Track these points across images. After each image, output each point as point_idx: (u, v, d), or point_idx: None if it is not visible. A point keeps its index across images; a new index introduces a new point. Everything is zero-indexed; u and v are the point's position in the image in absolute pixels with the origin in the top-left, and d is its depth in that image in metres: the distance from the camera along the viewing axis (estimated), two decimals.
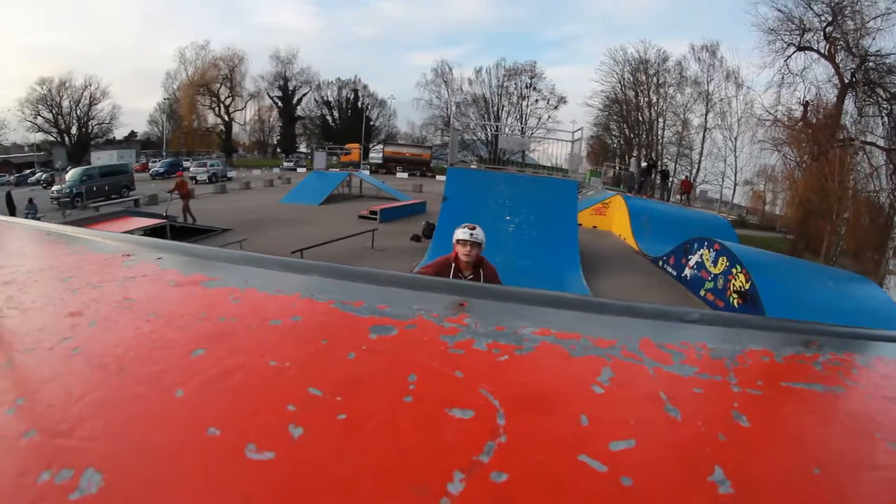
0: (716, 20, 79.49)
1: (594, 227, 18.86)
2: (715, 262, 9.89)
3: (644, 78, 47.75)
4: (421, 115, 63.59)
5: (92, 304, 0.71)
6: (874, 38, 25.47)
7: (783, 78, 29.43)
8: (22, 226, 1.36)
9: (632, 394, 0.55)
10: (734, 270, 9.13)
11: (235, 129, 61.76)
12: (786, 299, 8.16)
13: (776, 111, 30.34)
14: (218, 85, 57.85)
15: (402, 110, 78.49)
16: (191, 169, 38.93)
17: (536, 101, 56.23)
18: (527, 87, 56.08)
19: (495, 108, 56.77)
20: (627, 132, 50.45)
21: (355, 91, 64.42)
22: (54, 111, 52.87)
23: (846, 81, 26.69)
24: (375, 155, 53.67)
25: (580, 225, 12.76)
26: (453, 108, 56.75)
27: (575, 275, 10.60)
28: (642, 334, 0.66)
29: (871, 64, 25.75)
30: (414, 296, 0.72)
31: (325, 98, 64.63)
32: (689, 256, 11.03)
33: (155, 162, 46.48)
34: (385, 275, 0.78)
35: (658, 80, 47.02)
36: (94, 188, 25.68)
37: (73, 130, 54.52)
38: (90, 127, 55.86)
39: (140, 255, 0.91)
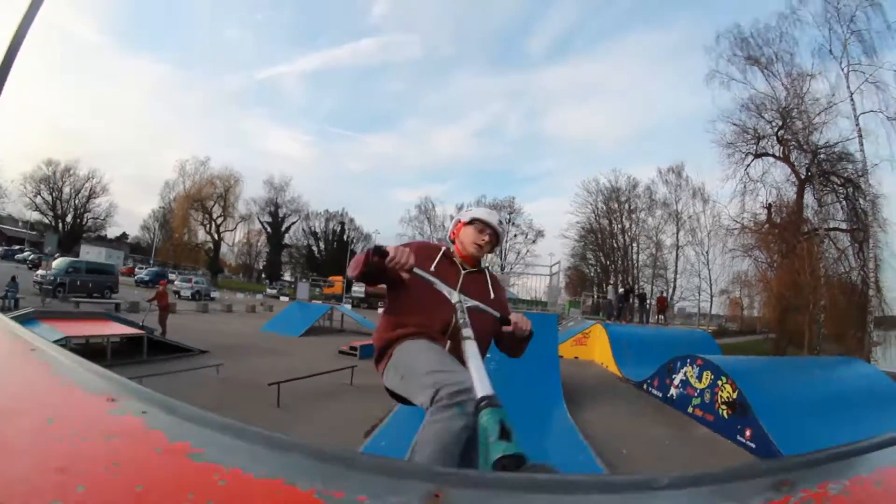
0: (679, 142, 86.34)
1: (576, 357, 18.70)
2: (699, 378, 9.89)
3: (616, 206, 50.62)
4: None
5: (78, 462, 0.71)
6: (821, 133, 27.67)
7: (745, 186, 31.08)
8: (7, 331, 1.33)
9: None
10: (720, 382, 9.17)
11: (224, 248, 62.86)
12: (776, 400, 8.25)
13: (742, 218, 31.84)
14: (212, 202, 59.60)
15: (386, 244, 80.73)
16: (175, 283, 38.78)
17: (515, 235, 58.23)
18: (506, 222, 58.02)
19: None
20: (603, 260, 52.20)
21: (342, 224, 66.78)
22: (54, 195, 54.09)
23: (803, 177, 28.50)
24: (358, 289, 54.16)
25: (561, 357, 12.72)
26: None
27: (559, 408, 10.36)
28: None
29: (822, 156, 27.68)
30: (391, 485, 0.72)
31: (312, 228, 66.77)
32: (674, 376, 11.02)
33: (142, 268, 46.40)
34: (364, 460, 0.78)
35: (630, 206, 49.80)
36: (78, 282, 25.47)
37: (69, 219, 55.34)
38: (85, 219, 56.77)
39: (125, 404, 0.91)
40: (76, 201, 55.98)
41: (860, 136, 24.72)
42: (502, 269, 49.19)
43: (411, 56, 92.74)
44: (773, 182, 30.36)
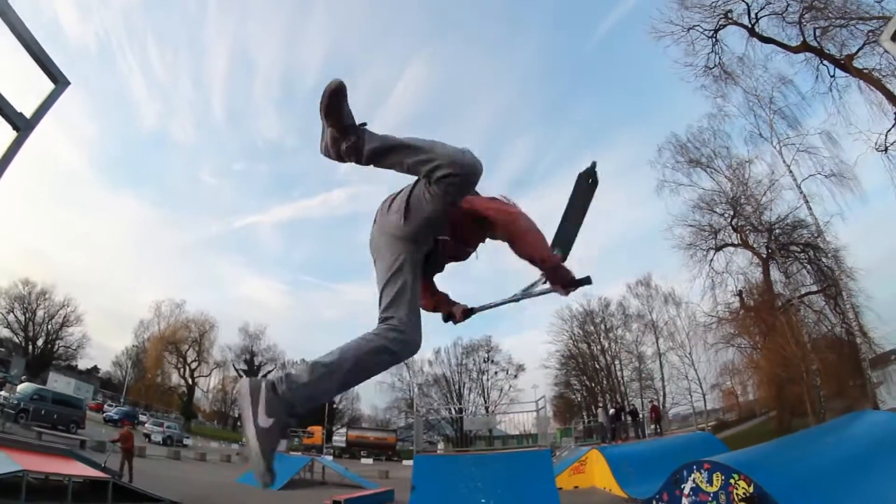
0: (642, 254, 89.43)
1: (575, 486, 17.64)
2: (710, 482, 9.33)
3: (592, 328, 50.85)
4: (384, 399, 63.50)
5: None
6: (771, 210, 29.10)
7: (713, 280, 31.50)
8: None
9: None
10: (732, 480, 8.59)
11: (198, 393, 59.91)
12: (794, 482, 7.82)
13: (717, 311, 32.03)
14: (186, 346, 57.99)
15: (365, 394, 78.34)
16: (147, 425, 36.48)
17: (496, 373, 57.54)
18: (485, 361, 57.70)
19: (457, 386, 57.50)
20: (588, 382, 51.36)
21: None
22: (27, 315, 51.74)
23: (764, 256, 29.38)
24: (339, 438, 52.01)
25: (560, 489, 12.14)
26: (416, 390, 57.54)
27: None
28: None
29: (777, 231, 28.88)
30: None
31: None
32: (682, 486, 10.35)
33: (111, 406, 43.55)
34: None
35: (605, 325, 50.07)
36: (43, 411, 23.61)
37: (39, 342, 52.60)
38: (56, 346, 54.24)
39: None
40: (49, 326, 54.21)
41: (807, 201, 25.82)
42: (486, 409, 48.17)
43: (378, 205, 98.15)
44: (737, 269, 31.36)
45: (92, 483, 10.92)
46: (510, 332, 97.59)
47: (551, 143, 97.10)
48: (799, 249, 29.21)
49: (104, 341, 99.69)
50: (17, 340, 52.81)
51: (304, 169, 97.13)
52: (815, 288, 28.40)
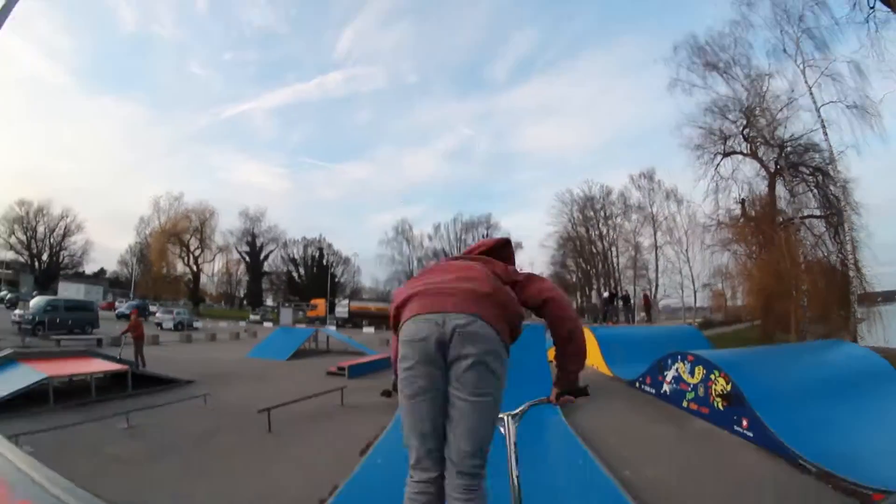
0: (649, 148, 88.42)
1: None
2: (692, 373, 9.98)
3: (592, 213, 51.39)
4: (385, 271, 65.32)
5: None
6: (786, 127, 28.34)
7: (717, 184, 31.33)
8: None
9: None
10: (712, 376, 9.25)
11: (203, 279, 62.08)
12: (770, 390, 8.32)
13: (717, 215, 32.13)
14: (188, 236, 59.26)
15: (366, 267, 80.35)
16: (157, 314, 38.35)
17: None
18: (484, 237, 58.09)
19: None
20: (584, 265, 52.78)
21: (320, 249, 66.70)
22: (29, 234, 53.27)
23: (772, 171, 29.02)
24: (342, 310, 53.95)
25: (551, 362, 12.66)
26: (415, 263, 58.65)
27: (553, 413, 10.35)
28: None
29: (789, 149, 28.31)
30: None
31: (291, 255, 66.57)
32: (665, 373, 11.10)
33: (122, 302, 45.33)
34: None
35: (605, 212, 50.56)
36: (58, 320, 24.98)
37: (45, 257, 54.49)
38: (61, 257, 55.88)
39: None
40: (51, 240, 55.21)
41: (823, 126, 25.34)
42: None
43: (377, 87, 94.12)
44: (743, 178, 30.89)
45: (112, 376, 11.60)
46: (510, 211, 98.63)
47: (561, 29, 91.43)
48: (808, 172, 28.43)
49: (107, 243, 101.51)
50: (22, 260, 53.74)
51: (297, 53, 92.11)
52: (818, 213, 28.03)
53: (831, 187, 26.81)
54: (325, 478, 6.84)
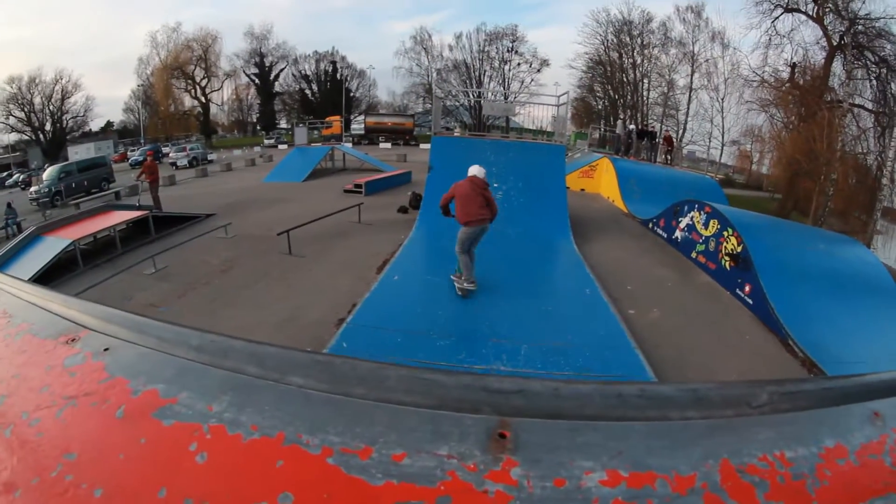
0: None
1: (582, 189, 18.74)
2: (706, 225, 9.85)
3: (628, 39, 46.81)
4: (401, 84, 62.32)
5: (29, 465, 0.55)
6: (864, 2, 25.26)
7: (770, 39, 29.17)
8: None
9: None
10: (725, 233, 9.11)
11: (213, 109, 60.29)
12: (778, 263, 8.21)
13: (763, 72, 30.18)
14: (192, 67, 56.22)
15: (382, 80, 76.16)
16: (170, 154, 38.05)
17: (519, 64, 54.85)
18: (508, 51, 54.44)
19: (477, 74, 55.33)
20: (612, 93, 49.76)
21: (333, 63, 62.91)
22: (26, 109, 51.09)
23: (834, 44, 26.53)
24: (357, 126, 52.75)
25: (568, 188, 12.62)
26: (434, 75, 55.65)
27: (566, 240, 10.54)
28: (719, 453, 0.53)
29: (860, 27, 25.61)
30: (434, 421, 0.54)
31: (302, 72, 63.13)
32: (680, 219, 10.99)
33: (133, 150, 45.37)
34: (390, 378, 0.59)
35: (642, 41, 46.11)
36: (73, 184, 24.98)
37: (48, 127, 52.80)
38: (64, 122, 54.20)
39: (86, 343, 0.75)
40: (50, 107, 52.31)
41: None
42: (505, 97, 47.52)
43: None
44: (800, 41, 28.19)
45: (135, 224, 11.83)
46: (538, 24, 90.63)
47: None
48: (873, 59, 25.20)
49: (109, 95, 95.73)
50: (27, 137, 51.14)
51: None
52: (870, 105, 25.29)
53: (893, 85, 24.40)
54: (345, 297, 7.26)
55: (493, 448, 0.51)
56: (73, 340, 0.77)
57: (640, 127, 23.50)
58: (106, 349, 0.73)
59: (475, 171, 7.22)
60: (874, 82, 25.86)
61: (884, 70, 25.35)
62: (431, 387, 0.58)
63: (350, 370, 0.61)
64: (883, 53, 25.38)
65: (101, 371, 0.69)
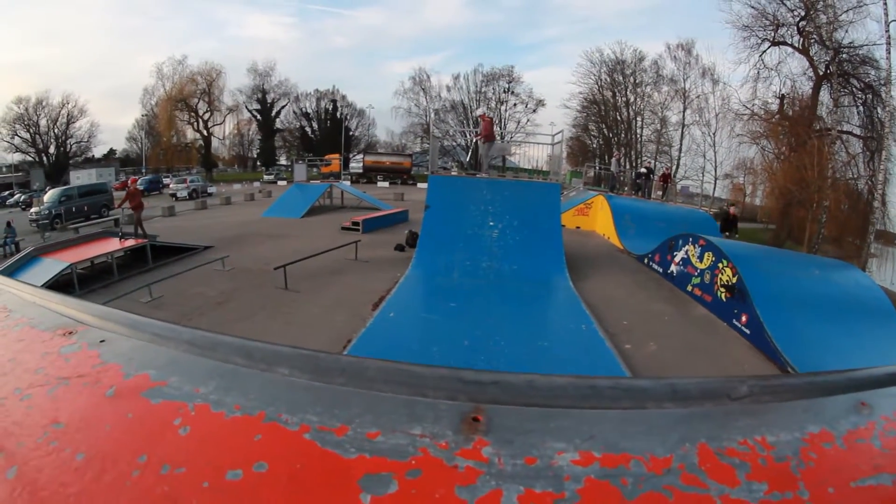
0: (690, 19, 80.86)
1: (577, 227, 18.89)
2: (701, 258, 9.93)
3: (621, 78, 48.10)
4: (400, 124, 63.26)
5: (15, 433, 0.57)
6: (846, 31, 26.11)
7: (758, 73, 30.00)
8: None
9: None
10: (720, 265, 9.18)
11: (215, 143, 61.03)
12: (773, 291, 8.26)
13: (753, 105, 30.89)
14: (196, 100, 57.14)
15: (381, 119, 77.57)
16: (171, 185, 38.27)
17: (515, 105, 56.30)
18: (505, 91, 56.07)
19: (474, 114, 56.75)
20: (606, 132, 50.72)
21: (334, 101, 64.16)
22: (31, 130, 51.73)
23: (821, 74, 27.31)
24: (356, 165, 53.35)
25: (563, 226, 12.75)
26: (432, 115, 56.69)
27: (561, 277, 10.57)
28: (697, 438, 0.53)
29: (844, 56, 26.38)
30: (410, 406, 0.56)
31: (303, 109, 64.31)
32: (675, 253, 11.07)
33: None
34: (371, 369, 0.61)
35: (635, 79, 47.38)
36: (73, 208, 25.07)
37: (52, 150, 53.32)
38: (68, 146, 54.76)
39: (83, 336, 0.77)
40: (55, 130, 53.13)
41: (888, 43, 23.03)
42: (502, 137, 48.34)
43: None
44: (788, 73, 29.10)
45: (133, 252, 11.89)
46: (534, 65, 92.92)
47: None
48: (858, 86, 26.11)
49: (113, 123, 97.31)
50: (30, 158, 51.88)
51: None
52: (858, 131, 26.11)
53: (879, 110, 24.93)
54: (340, 333, 7.20)
55: (465, 429, 0.53)
56: (70, 333, 0.79)
57: (648, 167, 23.91)
58: (102, 341, 0.75)
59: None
60: (861, 108, 26.65)
61: (869, 95, 26.12)
62: (409, 377, 0.60)
63: (333, 363, 0.63)
64: (868, 79, 26.20)
65: (96, 358, 0.71)
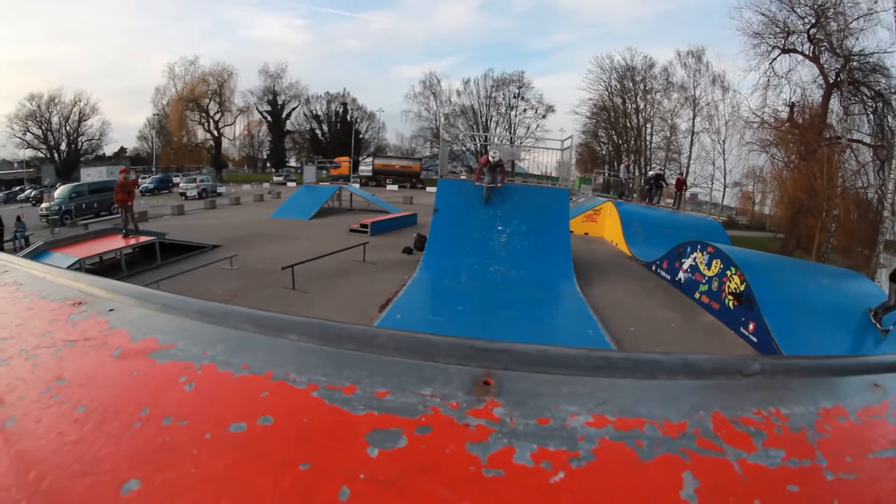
0: (701, 26, 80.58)
1: (585, 233, 18.86)
2: (709, 265, 9.87)
3: (631, 85, 48.03)
4: (410, 128, 63.91)
5: (18, 387, 0.57)
6: (857, 39, 25.96)
7: (769, 80, 29.82)
8: None
9: None
10: (728, 272, 9.12)
11: (225, 144, 61.49)
12: (781, 299, 8.19)
13: (763, 113, 30.80)
14: (207, 100, 57.67)
15: (391, 123, 78.09)
16: (181, 184, 38.59)
17: (525, 110, 56.25)
18: (515, 96, 56.02)
19: (484, 119, 56.72)
20: (616, 138, 50.65)
21: (344, 104, 64.51)
22: (44, 127, 52.43)
23: (831, 81, 27.16)
24: (365, 168, 53.48)
25: (571, 232, 12.72)
26: (442, 119, 56.77)
27: (569, 282, 10.53)
28: (711, 406, 0.53)
29: (854, 63, 26.24)
30: (420, 369, 0.55)
31: (314, 112, 64.67)
32: (683, 260, 11.01)
33: (145, 178, 46.10)
34: (381, 336, 0.61)
35: (645, 86, 47.30)
36: (84, 205, 25.30)
37: (63, 147, 54.00)
38: (80, 143, 55.42)
39: (92, 306, 0.77)
40: (67, 128, 53.90)
41: None
42: (511, 142, 48.32)
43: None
44: (798, 81, 28.91)
45: (142, 249, 11.98)
46: (544, 71, 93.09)
47: None
48: (869, 95, 25.96)
49: (125, 121, 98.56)
50: (42, 155, 52.52)
51: None
52: (868, 140, 25.91)
53: (889, 118, 24.86)
54: None
55: (476, 391, 0.52)
56: (79, 304, 0.79)
57: (659, 173, 23.72)
58: (111, 310, 0.75)
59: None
60: (871, 116, 26.47)
61: (880, 104, 25.96)
62: (419, 345, 0.59)
63: (343, 330, 0.63)
64: (878, 87, 26.06)
65: (105, 324, 0.71)
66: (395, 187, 45.37)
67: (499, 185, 11.88)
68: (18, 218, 19.23)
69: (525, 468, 0.43)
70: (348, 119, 63.63)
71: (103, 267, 11.28)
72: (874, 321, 7.55)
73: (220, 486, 0.42)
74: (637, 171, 36.87)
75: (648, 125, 47.39)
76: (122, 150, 60.93)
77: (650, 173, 24.31)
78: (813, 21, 27.51)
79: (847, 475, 0.47)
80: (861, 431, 0.54)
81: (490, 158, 11.80)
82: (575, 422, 0.49)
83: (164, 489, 0.42)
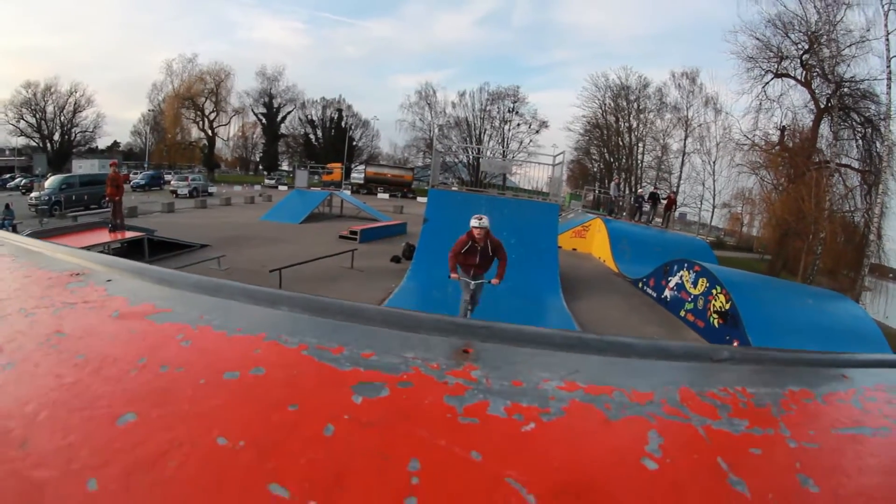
0: (696, 48, 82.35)
1: (574, 249, 18.97)
2: (695, 284, 9.97)
3: (625, 103, 48.77)
4: (404, 137, 63.80)
5: (16, 338, 0.59)
6: (849, 66, 26.59)
7: (761, 104, 30.38)
8: None
9: (689, 466, 0.45)
10: (714, 291, 9.22)
11: (218, 144, 61.45)
12: (766, 319, 8.30)
13: (754, 136, 31.32)
14: (203, 99, 57.68)
15: (385, 131, 78.35)
16: (172, 182, 38.32)
17: (518, 125, 56.83)
18: (509, 111, 56.59)
19: (477, 132, 57.13)
20: (607, 156, 51.24)
21: (339, 111, 64.71)
22: (38, 116, 51.96)
23: (822, 107, 27.74)
24: (357, 175, 53.56)
25: (560, 247, 12.79)
26: (436, 130, 57.09)
27: (555, 297, 10.57)
28: (679, 382, 0.57)
29: (845, 90, 26.85)
30: (405, 338, 0.59)
31: (308, 117, 64.81)
32: (669, 278, 11.11)
33: (136, 173, 45.74)
34: (370, 310, 0.64)
35: (639, 105, 48.04)
36: (74, 197, 25.04)
37: (56, 137, 53.52)
38: (73, 134, 54.99)
39: (90, 277, 0.79)
40: (61, 118, 53.48)
41: (889, 78, 23.53)
42: (504, 156, 48.59)
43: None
44: (789, 105, 29.53)
45: (129, 245, 11.83)
46: (539, 87, 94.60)
47: None
48: (858, 121, 26.64)
49: (119, 114, 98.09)
50: (34, 143, 52.03)
51: None
52: (856, 165, 26.60)
53: (878, 143, 25.36)
54: None
55: (456, 357, 0.56)
56: (77, 274, 0.81)
57: (654, 192, 23.91)
58: (109, 280, 0.78)
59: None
60: (860, 142, 27.04)
61: (869, 130, 26.50)
62: (406, 318, 0.63)
63: (333, 304, 0.66)
64: (868, 114, 26.61)
65: (103, 292, 0.73)
66: (387, 196, 45.59)
67: (484, 281, 7.28)
68: (7, 206, 18.98)
69: (499, 418, 0.47)
70: (343, 125, 63.77)
71: None
72: None
73: (211, 421, 0.45)
74: (627, 189, 37.20)
75: (640, 144, 48.11)
76: (116, 144, 60.57)
77: (639, 191, 24.63)
78: (806, 47, 28.21)
79: (810, 444, 0.50)
80: (826, 411, 0.58)
81: (475, 223, 6.84)
82: (547, 386, 0.53)
83: (159, 422, 0.44)
